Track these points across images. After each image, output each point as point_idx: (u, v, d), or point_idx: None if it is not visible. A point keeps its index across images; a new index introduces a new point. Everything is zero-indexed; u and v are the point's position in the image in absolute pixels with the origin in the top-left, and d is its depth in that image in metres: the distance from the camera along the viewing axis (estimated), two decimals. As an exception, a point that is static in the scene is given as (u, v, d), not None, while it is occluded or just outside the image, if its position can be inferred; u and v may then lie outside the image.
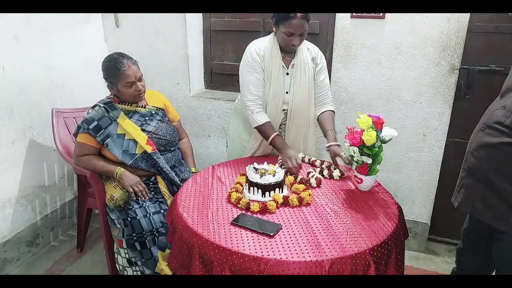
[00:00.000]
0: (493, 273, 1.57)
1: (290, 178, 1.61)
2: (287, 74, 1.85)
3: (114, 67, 1.74)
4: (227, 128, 2.61)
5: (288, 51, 1.81)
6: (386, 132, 1.47)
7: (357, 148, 1.48)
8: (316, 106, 1.93)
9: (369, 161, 1.47)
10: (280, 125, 1.93)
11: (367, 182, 1.54)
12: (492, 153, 1.22)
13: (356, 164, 1.53)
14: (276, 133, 1.80)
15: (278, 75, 1.81)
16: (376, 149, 1.47)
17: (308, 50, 1.86)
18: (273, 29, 1.78)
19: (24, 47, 2.06)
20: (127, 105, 1.87)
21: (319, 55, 1.89)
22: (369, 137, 1.43)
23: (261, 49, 1.81)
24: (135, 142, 1.81)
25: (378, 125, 1.47)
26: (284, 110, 1.89)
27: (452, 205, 1.45)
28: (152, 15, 2.45)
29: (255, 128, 1.83)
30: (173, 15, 2.42)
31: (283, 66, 1.83)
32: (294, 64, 1.83)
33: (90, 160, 1.83)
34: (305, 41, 1.84)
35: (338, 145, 1.77)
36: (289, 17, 1.65)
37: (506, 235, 1.27)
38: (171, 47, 2.52)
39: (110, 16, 2.56)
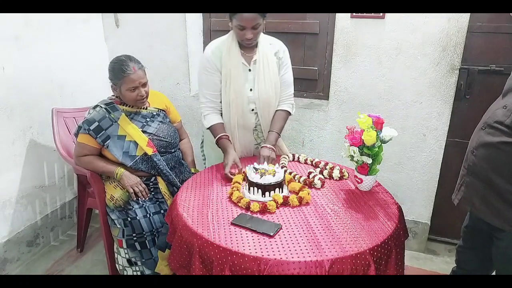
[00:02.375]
0: (493, 273, 1.57)
1: (288, 177, 1.61)
2: (250, 70, 1.79)
3: (120, 69, 1.72)
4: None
5: (248, 47, 1.76)
6: (386, 132, 1.47)
7: (357, 148, 1.48)
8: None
9: (369, 161, 1.47)
10: (255, 127, 1.88)
11: (367, 182, 1.54)
12: (492, 152, 1.23)
13: (356, 164, 1.53)
14: (222, 134, 1.78)
15: (238, 72, 1.75)
16: (376, 149, 1.47)
17: (270, 45, 1.81)
18: (229, 25, 1.71)
19: (24, 47, 2.06)
20: (129, 106, 1.86)
21: (282, 50, 1.83)
22: (369, 137, 1.43)
23: (218, 48, 1.77)
24: (136, 143, 1.80)
25: (378, 125, 1.47)
26: (253, 110, 1.83)
27: (452, 205, 1.46)
28: (152, 15, 2.45)
29: (207, 129, 1.84)
30: (173, 15, 2.42)
31: (243, 63, 1.77)
32: (256, 60, 1.76)
33: (91, 161, 1.83)
34: (267, 36, 1.83)
35: (272, 149, 1.77)
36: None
37: (505, 233, 1.28)
38: (171, 47, 2.52)
39: (110, 16, 2.56)
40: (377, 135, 1.45)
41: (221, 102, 1.83)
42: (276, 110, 1.86)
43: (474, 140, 1.32)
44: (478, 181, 1.29)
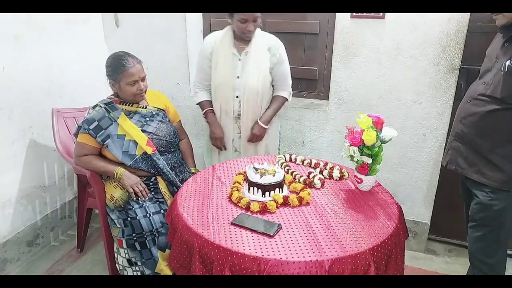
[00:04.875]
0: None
1: (289, 177, 1.61)
2: (239, 60, 1.93)
3: (119, 64, 1.74)
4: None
5: (244, 40, 1.89)
6: (386, 132, 1.47)
7: (357, 148, 1.48)
8: (274, 91, 2.06)
9: (369, 161, 1.47)
10: (238, 115, 2.01)
11: (367, 182, 1.54)
12: (478, 119, 1.50)
13: (356, 164, 1.53)
14: (209, 108, 2.03)
15: (227, 60, 1.92)
16: (376, 149, 1.47)
17: (265, 39, 1.94)
18: (228, 20, 1.87)
19: (24, 47, 2.06)
20: (128, 105, 1.87)
21: (276, 46, 1.95)
22: (369, 137, 1.43)
23: (214, 38, 1.96)
24: (135, 143, 1.81)
25: (378, 125, 1.47)
26: (237, 97, 1.96)
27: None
28: (152, 15, 2.45)
29: (197, 104, 2.09)
30: (173, 15, 2.43)
31: (233, 53, 1.92)
32: (247, 51, 1.91)
33: (90, 160, 1.83)
34: (263, 32, 1.95)
35: (263, 128, 2.00)
36: None
37: (481, 192, 1.54)
38: (171, 47, 2.52)
39: (110, 16, 2.56)
40: (377, 135, 1.45)
41: (209, 85, 2.03)
42: (273, 96, 2.04)
43: (462, 112, 1.58)
44: (463, 144, 1.58)
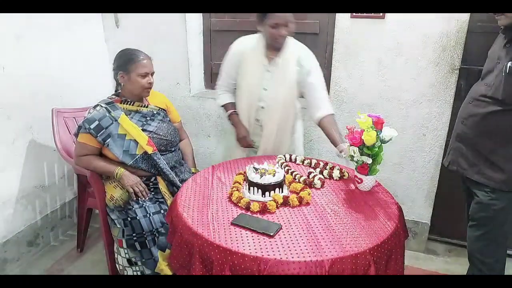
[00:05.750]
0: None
1: (289, 177, 1.61)
2: (268, 71, 1.87)
3: (133, 55, 1.81)
4: (227, 128, 2.61)
5: (275, 49, 1.82)
6: (386, 132, 1.47)
7: (357, 148, 1.48)
8: (311, 108, 1.91)
9: (369, 161, 1.47)
10: (257, 120, 1.96)
11: (367, 182, 1.54)
12: (480, 120, 1.51)
13: (356, 164, 1.53)
14: (233, 110, 1.98)
15: (255, 70, 1.86)
16: (376, 149, 1.47)
17: (295, 50, 1.86)
18: (258, 28, 1.80)
19: (25, 47, 2.06)
20: (129, 104, 1.87)
21: (306, 57, 1.87)
22: (369, 137, 1.43)
23: (245, 45, 1.89)
24: (136, 142, 1.81)
25: (378, 125, 1.47)
26: (262, 107, 1.91)
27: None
28: (152, 15, 2.44)
29: (221, 106, 2.05)
30: (173, 15, 2.42)
31: (263, 63, 1.85)
32: (276, 62, 1.84)
33: (91, 160, 1.83)
34: (296, 42, 1.87)
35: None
36: None
37: (481, 192, 1.55)
38: (171, 47, 2.52)
39: (110, 16, 2.56)
40: (377, 135, 1.45)
41: (235, 88, 1.99)
42: (321, 119, 1.87)
43: (464, 113, 1.59)
44: (465, 145, 1.59)
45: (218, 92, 2.05)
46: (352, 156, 1.51)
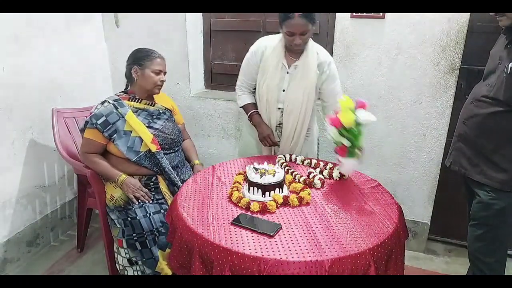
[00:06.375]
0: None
1: (289, 177, 1.61)
2: (288, 73, 1.86)
3: (149, 52, 1.88)
4: (227, 128, 2.61)
5: (295, 52, 1.82)
6: (362, 115, 1.48)
7: (336, 129, 1.50)
8: (328, 113, 1.91)
9: (347, 143, 1.48)
10: (279, 124, 1.95)
11: (347, 165, 1.56)
12: (481, 120, 1.51)
13: (335, 145, 1.55)
14: (254, 110, 1.96)
15: (274, 72, 1.85)
16: (356, 132, 1.48)
17: (317, 54, 1.85)
18: (280, 30, 1.79)
19: (24, 47, 2.06)
20: (136, 101, 1.89)
21: (326, 62, 1.86)
22: (346, 117, 1.45)
23: (265, 45, 1.88)
24: (141, 139, 1.82)
25: (360, 108, 1.50)
26: (280, 108, 1.91)
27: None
28: (152, 15, 2.44)
29: (240, 107, 2.03)
30: (173, 15, 2.42)
31: (284, 64, 1.85)
32: (297, 65, 1.84)
33: (96, 162, 1.83)
34: (317, 45, 1.87)
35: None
36: (288, 17, 1.67)
37: (482, 191, 1.55)
38: (171, 47, 2.52)
39: (110, 16, 2.56)
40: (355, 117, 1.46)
41: (254, 89, 1.99)
42: None
43: (465, 113, 1.60)
44: (466, 145, 1.59)
45: (238, 93, 2.03)
46: (333, 138, 1.52)
